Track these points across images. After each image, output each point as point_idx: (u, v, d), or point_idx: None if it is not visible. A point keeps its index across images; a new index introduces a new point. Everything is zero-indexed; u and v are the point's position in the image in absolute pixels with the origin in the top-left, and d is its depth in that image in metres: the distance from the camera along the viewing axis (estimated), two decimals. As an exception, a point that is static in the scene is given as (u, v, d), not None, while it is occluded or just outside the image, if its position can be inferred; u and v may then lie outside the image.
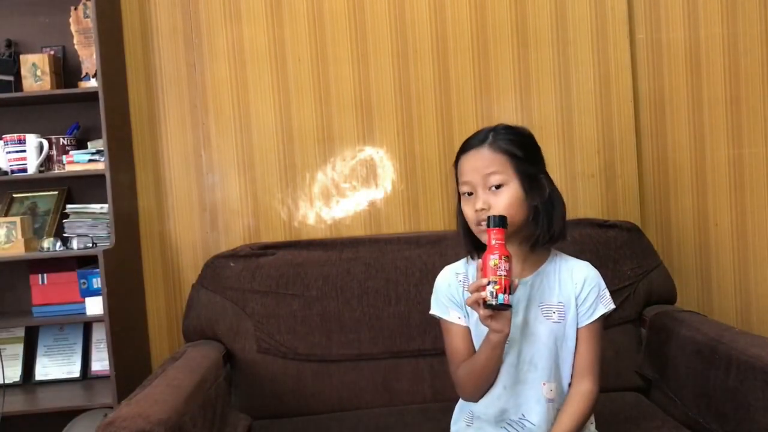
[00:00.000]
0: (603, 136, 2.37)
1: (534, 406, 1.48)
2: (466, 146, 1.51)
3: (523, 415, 1.49)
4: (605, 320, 1.55)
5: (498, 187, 1.44)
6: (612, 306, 1.53)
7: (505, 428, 1.50)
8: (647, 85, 2.40)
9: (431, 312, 1.59)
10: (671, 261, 2.37)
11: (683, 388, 1.82)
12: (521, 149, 1.48)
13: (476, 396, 1.51)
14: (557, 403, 1.50)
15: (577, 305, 1.51)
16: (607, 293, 1.54)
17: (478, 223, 1.45)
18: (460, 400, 1.60)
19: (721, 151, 2.42)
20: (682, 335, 1.87)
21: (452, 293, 1.55)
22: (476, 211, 1.44)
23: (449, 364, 1.56)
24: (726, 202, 2.43)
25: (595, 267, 1.56)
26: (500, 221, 1.36)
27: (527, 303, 1.50)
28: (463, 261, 1.59)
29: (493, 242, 1.34)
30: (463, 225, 1.53)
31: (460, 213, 1.53)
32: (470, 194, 1.48)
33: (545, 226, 1.47)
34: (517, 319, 1.48)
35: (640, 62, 2.40)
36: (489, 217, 1.36)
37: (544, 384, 1.49)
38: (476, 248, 1.52)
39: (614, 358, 2.04)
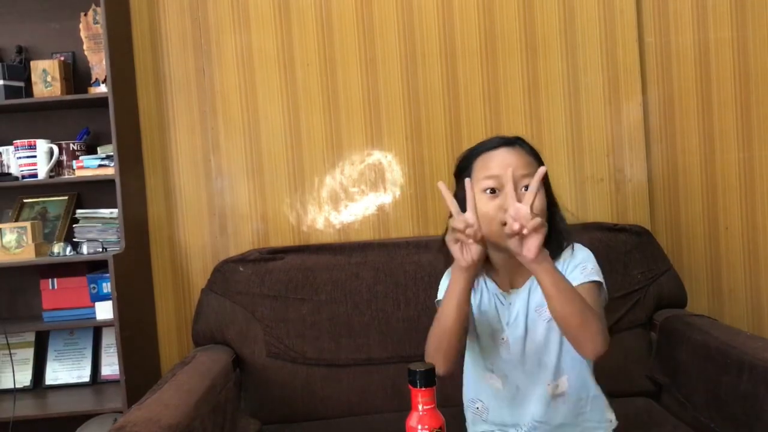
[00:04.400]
0: (612, 140, 2.36)
1: (544, 406, 1.47)
2: (489, 145, 1.45)
3: (533, 416, 1.48)
4: (600, 292, 1.45)
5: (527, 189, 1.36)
6: (595, 278, 1.42)
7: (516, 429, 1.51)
8: (656, 88, 2.39)
9: (437, 300, 1.52)
10: (681, 265, 2.36)
11: (694, 392, 1.81)
12: (541, 160, 1.46)
13: (439, 354, 1.40)
14: (567, 396, 1.48)
15: None
16: (590, 266, 1.43)
17: (505, 223, 1.33)
18: (467, 420, 1.58)
19: (731, 154, 2.41)
20: (693, 339, 1.86)
21: None
22: (507, 209, 1.33)
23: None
24: (736, 205, 2.41)
25: (605, 272, 1.49)
26: (429, 377, 1.03)
27: (526, 311, 1.47)
28: None
29: (421, 409, 1.03)
30: None
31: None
32: (493, 191, 1.40)
33: (559, 244, 1.44)
34: (518, 331, 1.47)
35: (649, 66, 2.39)
36: (413, 371, 1.03)
37: (548, 384, 1.47)
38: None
39: (624, 363, 2.03)
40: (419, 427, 1.04)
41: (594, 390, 1.53)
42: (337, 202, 2.37)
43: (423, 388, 1.04)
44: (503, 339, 1.49)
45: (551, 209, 1.46)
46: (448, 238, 1.32)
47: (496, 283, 1.52)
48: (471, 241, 1.29)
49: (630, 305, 2.06)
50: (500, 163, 1.40)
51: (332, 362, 2.04)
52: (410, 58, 2.36)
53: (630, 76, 2.36)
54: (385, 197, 2.37)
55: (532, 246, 1.26)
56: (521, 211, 1.26)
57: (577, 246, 1.49)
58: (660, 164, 2.40)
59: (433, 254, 2.11)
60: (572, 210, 2.32)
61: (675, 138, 2.40)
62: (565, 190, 2.34)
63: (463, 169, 1.49)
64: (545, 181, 1.44)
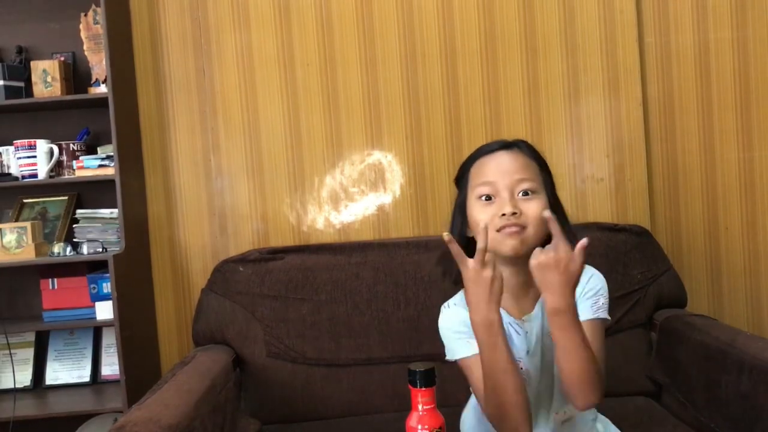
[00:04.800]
0: (612, 140, 2.36)
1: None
2: (487, 149, 1.38)
3: None
4: (605, 328, 1.37)
5: (527, 194, 1.31)
6: (604, 316, 1.34)
7: None
8: (656, 88, 2.39)
9: (451, 359, 1.39)
10: (681, 265, 2.36)
11: (694, 392, 1.81)
12: (545, 163, 1.39)
13: (526, 424, 1.25)
14: (575, 420, 1.41)
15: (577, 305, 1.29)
16: (602, 301, 1.35)
17: (500, 229, 1.29)
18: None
19: (731, 154, 2.41)
20: (693, 339, 1.86)
21: (467, 323, 1.29)
22: (502, 215, 1.29)
23: (481, 405, 1.33)
24: (736, 205, 2.41)
25: (605, 271, 1.45)
26: (429, 377, 1.03)
27: (541, 336, 1.36)
28: (459, 295, 1.41)
29: (421, 409, 1.03)
30: (463, 238, 1.37)
31: (459, 224, 1.40)
32: (489, 198, 1.33)
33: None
34: (536, 359, 1.37)
35: (649, 66, 2.39)
36: (413, 372, 1.02)
37: (556, 413, 1.40)
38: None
39: (624, 363, 2.03)
40: (419, 427, 1.04)
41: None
42: (337, 202, 2.37)
43: (423, 388, 1.04)
44: (522, 370, 1.35)
45: (554, 212, 1.30)
46: (473, 285, 1.22)
47: (505, 310, 1.37)
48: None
49: (630, 305, 2.06)
50: (495, 168, 1.34)
51: (332, 362, 2.04)
52: (410, 58, 2.36)
53: (630, 76, 2.36)
54: (385, 197, 2.37)
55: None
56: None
57: (592, 270, 1.38)
58: (660, 164, 2.40)
59: (432, 254, 2.11)
60: (572, 210, 2.33)
61: (675, 138, 2.40)
62: (565, 190, 2.34)
63: (461, 176, 1.43)
64: (549, 184, 1.37)
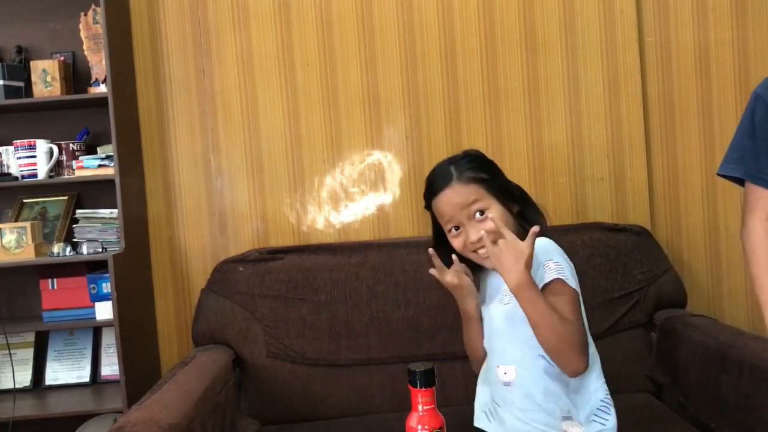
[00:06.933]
0: (612, 140, 2.36)
1: (497, 389, 1.53)
2: (435, 188, 1.55)
3: (493, 397, 1.55)
4: (572, 294, 1.44)
5: (482, 213, 1.49)
6: (555, 276, 1.43)
7: (488, 411, 1.58)
8: (656, 88, 2.39)
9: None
10: (681, 265, 2.36)
11: (694, 392, 1.82)
12: (485, 171, 1.54)
13: (472, 359, 1.66)
14: (517, 386, 1.46)
15: None
16: (552, 264, 1.45)
17: (475, 250, 1.51)
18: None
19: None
20: (693, 339, 1.86)
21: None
22: (471, 243, 1.50)
23: None
24: (736, 205, 2.40)
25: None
26: (429, 377, 1.07)
27: (501, 294, 1.55)
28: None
29: (421, 410, 1.06)
30: (444, 242, 1.59)
31: (439, 233, 1.60)
32: (457, 228, 1.52)
33: (528, 223, 1.52)
34: (489, 306, 1.57)
35: (649, 66, 2.39)
36: (413, 372, 1.07)
37: (497, 367, 1.52)
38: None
39: (624, 363, 2.03)
40: (419, 427, 1.04)
41: (548, 385, 1.46)
42: (337, 202, 2.37)
43: (423, 389, 1.04)
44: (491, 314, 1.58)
45: (512, 200, 1.54)
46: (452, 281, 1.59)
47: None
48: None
49: (630, 305, 2.06)
50: (448, 207, 1.52)
51: (332, 362, 2.04)
52: (410, 58, 2.36)
53: (630, 76, 2.36)
54: (385, 197, 2.37)
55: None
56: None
57: (543, 242, 1.50)
58: (660, 164, 2.40)
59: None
60: (572, 210, 2.34)
61: (675, 138, 2.40)
62: (565, 190, 2.34)
63: (428, 205, 1.60)
64: (494, 183, 1.52)
